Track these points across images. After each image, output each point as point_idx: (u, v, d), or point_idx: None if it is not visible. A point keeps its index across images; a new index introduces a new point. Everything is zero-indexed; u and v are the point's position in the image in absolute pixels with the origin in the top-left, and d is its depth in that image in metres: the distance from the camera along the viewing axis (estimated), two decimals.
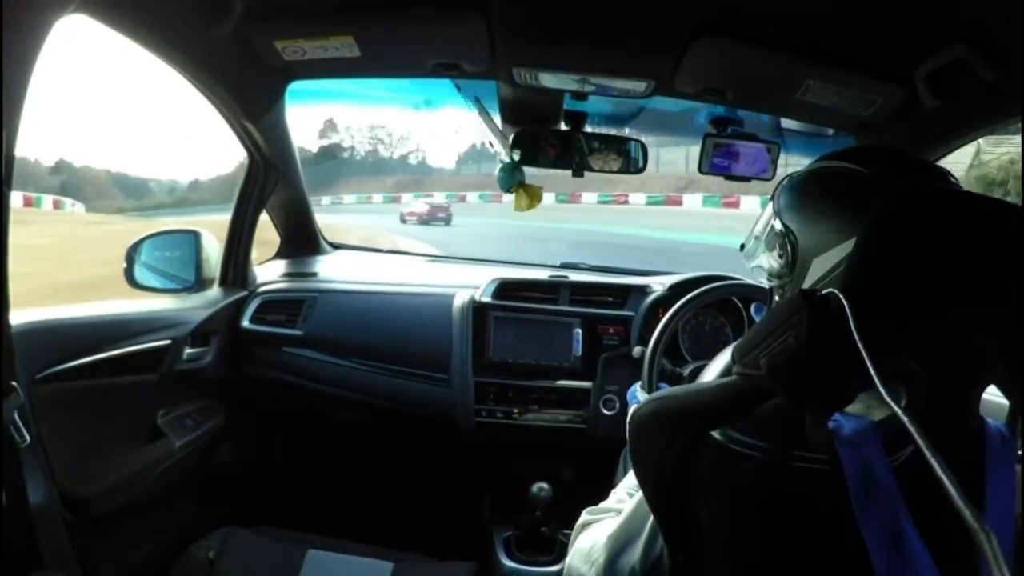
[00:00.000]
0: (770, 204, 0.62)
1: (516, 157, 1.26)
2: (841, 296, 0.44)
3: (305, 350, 1.45)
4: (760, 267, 0.64)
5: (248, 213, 1.43)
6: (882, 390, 0.39)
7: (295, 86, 1.25)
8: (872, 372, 0.40)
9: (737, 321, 1.45)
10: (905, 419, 0.38)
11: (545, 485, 1.34)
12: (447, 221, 14.15)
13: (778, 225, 0.58)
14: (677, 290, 1.44)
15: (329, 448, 1.66)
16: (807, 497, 0.50)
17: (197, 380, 1.31)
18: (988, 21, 0.75)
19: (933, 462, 0.36)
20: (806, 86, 1.02)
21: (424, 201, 15.51)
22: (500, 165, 1.23)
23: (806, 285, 0.54)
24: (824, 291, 0.47)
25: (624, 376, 1.41)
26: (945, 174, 0.54)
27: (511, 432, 1.41)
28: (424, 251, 2.86)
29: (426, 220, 13.87)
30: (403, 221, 14.07)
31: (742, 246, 0.69)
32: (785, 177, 0.62)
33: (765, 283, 0.64)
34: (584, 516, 0.76)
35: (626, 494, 0.77)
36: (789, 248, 0.56)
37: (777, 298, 0.61)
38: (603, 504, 0.78)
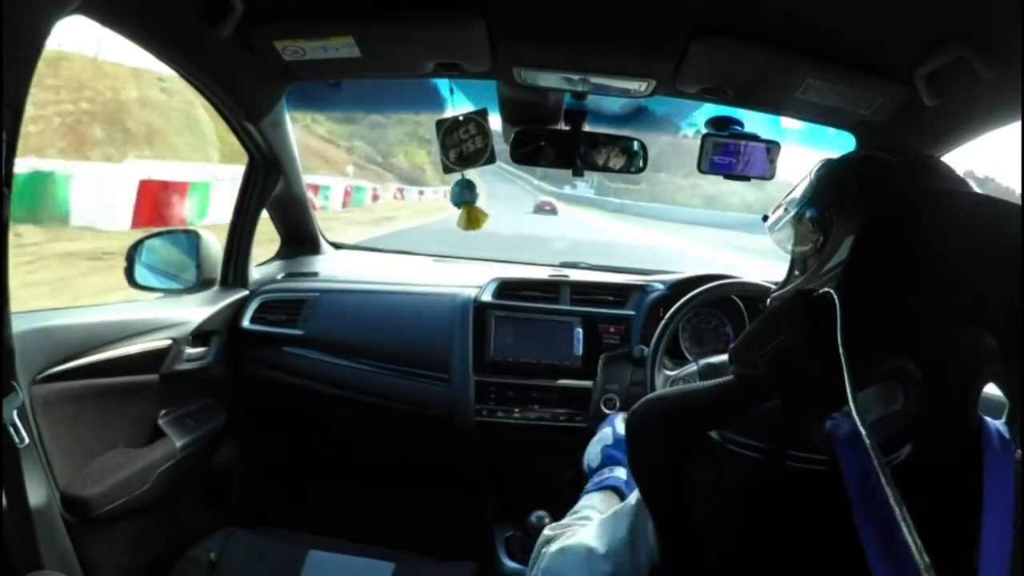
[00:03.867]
0: (804, 182, 0.63)
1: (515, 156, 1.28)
2: (835, 295, 0.44)
3: (306, 350, 1.45)
4: (785, 242, 0.65)
5: (248, 213, 1.43)
6: (851, 400, 0.41)
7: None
8: (846, 377, 0.42)
9: (738, 320, 1.45)
10: (868, 443, 0.40)
11: (543, 513, 1.32)
12: (553, 212, 18.85)
13: (814, 202, 0.59)
14: (678, 289, 1.44)
15: (330, 448, 1.66)
16: (805, 497, 0.50)
17: (198, 380, 1.31)
18: (988, 20, 0.75)
19: (888, 491, 0.38)
20: (806, 85, 1.02)
21: (536, 196, 21.05)
22: (456, 180, 1.25)
23: (833, 263, 0.55)
24: (821, 290, 0.47)
25: (625, 375, 1.41)
26: (954, 177, 0.54)
27: (512, 431, 1.41)
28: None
29: (538, 210, 18.77)
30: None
31: (765, 217, 0.70)
32: (822, 160, 0.64)
33: (786, 257, 0.65)
34: (547, 532, 0.73)
35: (587, 511, 0.75)
36: (822, 225, 0.57)
37: (798, 272, 0.62)
38: (564, 521, 0.76)
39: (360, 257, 1.95)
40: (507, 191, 20.18)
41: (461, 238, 1.43)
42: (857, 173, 0.59)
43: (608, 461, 0.87)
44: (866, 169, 0.59)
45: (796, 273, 0.62)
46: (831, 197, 0.58)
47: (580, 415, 1.41)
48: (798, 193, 0.64)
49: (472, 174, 1.23)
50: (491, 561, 1.37)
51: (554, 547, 0.66)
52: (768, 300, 0.67)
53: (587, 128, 1.27)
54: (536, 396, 1.42)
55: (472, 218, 1.25)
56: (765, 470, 0.50)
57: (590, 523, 0.67)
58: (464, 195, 1.24)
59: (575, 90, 1.16)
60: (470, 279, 1.56)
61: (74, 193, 5.63)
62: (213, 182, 7.07)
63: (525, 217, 16.12)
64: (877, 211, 0.48)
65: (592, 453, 0.91)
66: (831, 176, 0.60)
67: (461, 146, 1.20)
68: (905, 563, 0.42)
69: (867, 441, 0.40)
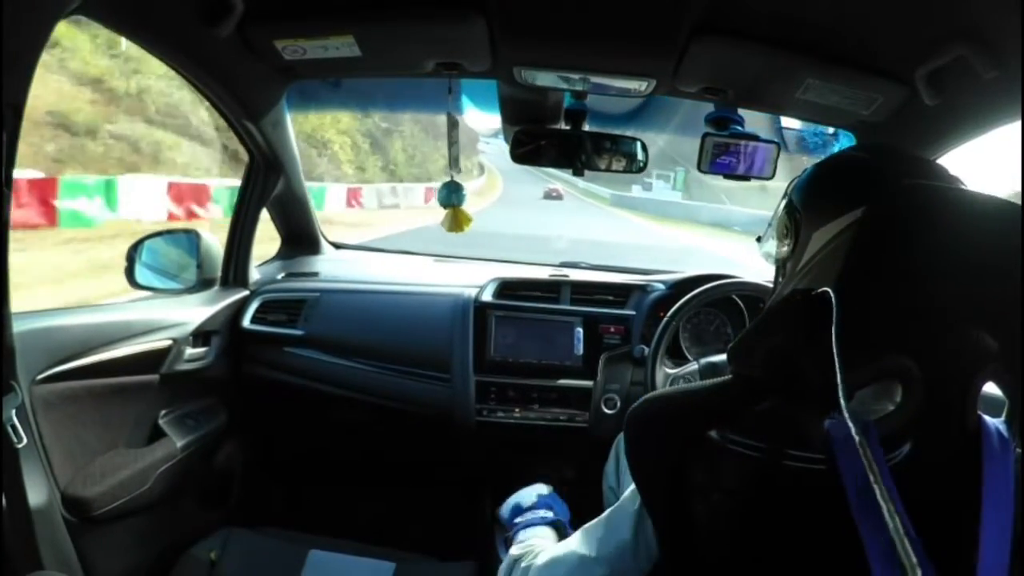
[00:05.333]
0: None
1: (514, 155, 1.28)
2: (833, 294, 0.44)
3: (306, 350, 1.45)
4: (768, 253, 0.65)
5: (248, 213, 1.43)
6: (843, 402, 0.42)
7: None
8: (839, 379, 0.42)
9: (738, 319, 1.45)
10: (858, 441, 0.41)
11: None
12: (559, 197, 22.54)
13: (787, 208, 0.60)
14: (678, 289, 1.44)
15: (330, 448, 1.66)
16: (804, 496, 0.50)
17: (198, 380, 1.31)
18: (988, 20, 0.75)
19: (879, 493, 0.39)
20: (806, 85, 1.02)
21: (546, 185, 24.45)
22: (444, 181, 1.26)
23: (804, 259, 0.55)
24: (819, 289, 0.47)
25: (625, 375, 1.41)
26: (948, 175, 0.54)
27: (512, 431, 1.41)
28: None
29: (547, 196, 22.45)
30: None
31: (759, 238, 0.70)
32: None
33: (773, 270, 0.65)
34: (514, 552, 0.74)
35: (537, 540, 0.77)
36: (794, 225, 0.58)
37: (781, 279, 0.62)
38: (523, 545, 0.76)
39: (360, 257, 1.94)
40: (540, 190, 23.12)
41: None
42: (824, 173, 0.59)
43: (540, 504, 0.88)
44: (833, 168, 0.59)
45: (780, 280, 0.62)
46: (800, 199, 0.59)
47: (580, 415, 1.41)
48: (780, 205, 0.64)
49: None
50: (491, 561, 1.37)
51: (540, 560, 0.66)
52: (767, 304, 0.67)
53: (587, 127, 1.27)
54: (536, 396, 1.42)
55: (458, 220, 1.26)
56: (764, 469, 0.50)
57: (571, 535, 0.67)
58: (450, 197, 1.25)
59: (575, 89, 1.16)
60: (470, 279, 1.56)
61: None
62: None
63: (537, 202, 20.49)
64: (873, 210, 0.48)
65: (527, 495, 0.91)
66: (802, 178, 0.61)
67: (452, 147, 1.22)
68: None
69: (857, 439, 0.40)
